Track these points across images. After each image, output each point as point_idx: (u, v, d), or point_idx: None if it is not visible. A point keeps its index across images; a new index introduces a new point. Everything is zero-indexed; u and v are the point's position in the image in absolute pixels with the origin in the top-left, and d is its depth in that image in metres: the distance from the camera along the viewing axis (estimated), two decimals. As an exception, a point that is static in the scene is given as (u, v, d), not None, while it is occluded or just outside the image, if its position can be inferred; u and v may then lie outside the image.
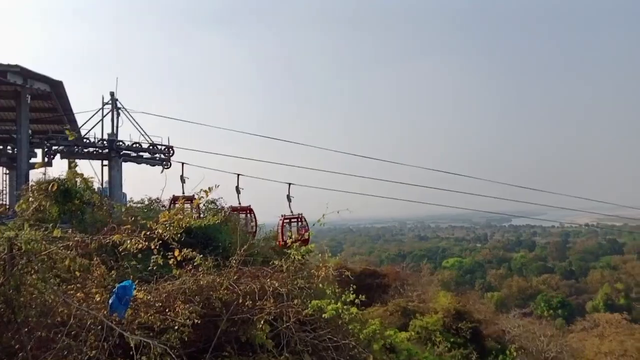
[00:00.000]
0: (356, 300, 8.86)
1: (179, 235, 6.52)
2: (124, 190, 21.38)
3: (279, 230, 15.89)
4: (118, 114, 22.39)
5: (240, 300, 7.01)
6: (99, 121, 21.94)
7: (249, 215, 16.29)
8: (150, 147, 21.83)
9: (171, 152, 21.90)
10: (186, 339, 6.48)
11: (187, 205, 15.84)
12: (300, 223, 16.23)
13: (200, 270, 7.62)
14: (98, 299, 6.26)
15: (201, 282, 7.08)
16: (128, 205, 15.26)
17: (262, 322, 6.75)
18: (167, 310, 6.56)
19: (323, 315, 7.93)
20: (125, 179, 20.16)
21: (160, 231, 6.38)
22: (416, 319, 28.26)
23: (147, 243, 6.11)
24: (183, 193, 15.57)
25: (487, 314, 37.82)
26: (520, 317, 43.12)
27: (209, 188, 7.77)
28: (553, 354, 34.45)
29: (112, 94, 21.77)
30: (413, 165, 17.83)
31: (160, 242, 6.64)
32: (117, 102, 22.28)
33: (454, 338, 27.23)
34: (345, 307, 8.24)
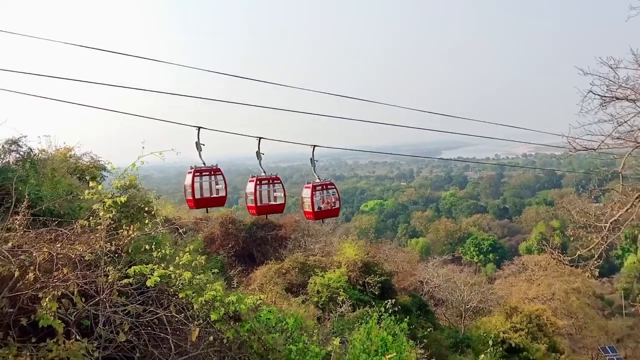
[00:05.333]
0: (196, 261, 8.70)
1: None
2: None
3: (309, 200, 16.57)
4: None
5: (17, 274, 6.53)
6: None
7: None
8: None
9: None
10: None
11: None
12: (326, 191, 17.07)
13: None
14: None
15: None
16: None
17: (47, 299, 6.40)
18: None
19: (146, 283, 7.74)
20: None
21: None
22: (316, 276, 29.26)
23: None
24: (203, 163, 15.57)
25: (404, 264, 40.21)
26: (441, 264, 46.24)
27: None
28: (475, 303, 37.74)
29: None
30: (323, 92, 17.45)
31: None
32: None
33: (359, 295, 28.67)
34: (177, 271, 8.08)
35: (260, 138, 15.23)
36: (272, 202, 16.84)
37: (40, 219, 8.46)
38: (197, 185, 15.76)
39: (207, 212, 22.50)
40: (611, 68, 14.77)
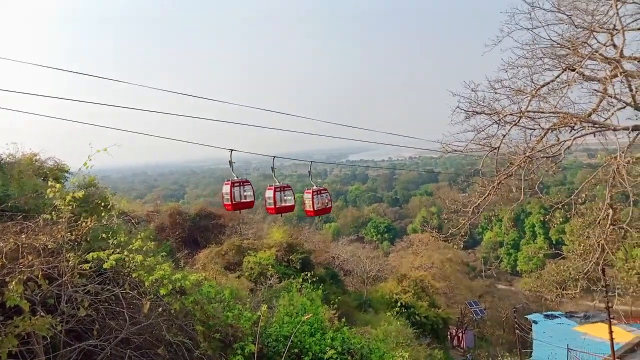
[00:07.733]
0: (147, 246, 8.32)
1: None
2: None
3: (310, 201, 17.02)
4: None
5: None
6: None
7: None
8: None
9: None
10: None
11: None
12: (321, 195, 17.54)
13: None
14: None
15: None
16: None
17: (14, 282, 5.91)
18: None
19: (104, 266, 7.33)
20: None
21: None
22: (250, 256, 28.90)
23: None
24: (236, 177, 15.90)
25: (320, 243, 40.46)
26: (348, 243, 46.91)
27: None
28: (374, 272, 38.59)
29: None
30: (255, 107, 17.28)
31: None
32: None
33: (284, 269, 28.57)
34: (130, 255, 7.69)
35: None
36: (285, 204, 17.17)
37: (7, 214, 7.80)
38: (232, 193, 16.02)
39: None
40: (472, 90, 15.48)
